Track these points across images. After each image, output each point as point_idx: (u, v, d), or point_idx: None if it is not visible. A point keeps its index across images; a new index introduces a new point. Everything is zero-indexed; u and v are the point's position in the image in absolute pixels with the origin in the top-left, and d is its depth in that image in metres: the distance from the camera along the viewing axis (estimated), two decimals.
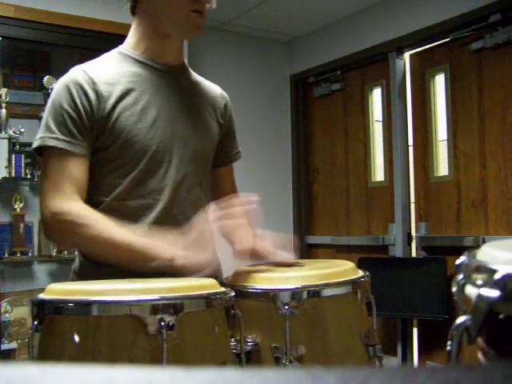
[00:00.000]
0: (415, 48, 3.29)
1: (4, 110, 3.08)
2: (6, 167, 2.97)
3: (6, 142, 3.01)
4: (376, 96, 3.57)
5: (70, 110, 1.19)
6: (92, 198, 1.24)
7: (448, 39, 3.05)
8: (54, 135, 1.18)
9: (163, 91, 1.29)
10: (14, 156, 3.02)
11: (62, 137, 1.18)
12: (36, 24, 2.80)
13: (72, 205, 1.17)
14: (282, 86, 4.05)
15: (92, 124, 1.20)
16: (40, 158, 1.24)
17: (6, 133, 3.04)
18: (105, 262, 1.16)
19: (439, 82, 3.19)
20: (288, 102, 4.07)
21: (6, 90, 3.10)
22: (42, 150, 1.21)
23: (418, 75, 3.27)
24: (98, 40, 2.96)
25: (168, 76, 1.31)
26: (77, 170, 1.19)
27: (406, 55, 3.35)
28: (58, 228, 1.18)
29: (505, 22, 2.78)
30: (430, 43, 3.19)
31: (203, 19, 1.26)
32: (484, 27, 2.86)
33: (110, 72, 1.25)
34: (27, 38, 2.86)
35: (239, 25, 3.70)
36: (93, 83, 1.21)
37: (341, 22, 3.67)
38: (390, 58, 3.35)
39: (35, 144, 1.21)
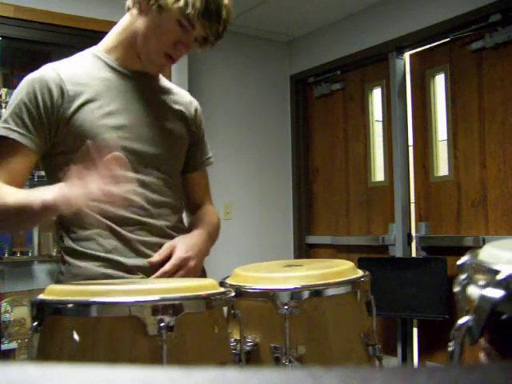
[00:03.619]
0: (415, 48, 3.29)
1: (4, 110, 3.08)
2: None
3: None
4: (376, 96, 3.57)
5: (28, 104, 1.19)
6: None
7: (448, 39, 3.05)
8: (7, 125, 1.19)
9: (132, 97, 1.29)
10: None
11: (14, 127, 1.19)
12: (36, 24, 2.80)
13: None
14: (282, 86, 4.04)
15: (50, 121, 1.20)
16: None
17: None
18: (86, 256, 1.16)
19: (439, 82, 3.19)
20: (288, 102, 4.06)
21: (6, 90, 3.10)
22: None
23: (418, 75, 3.27)
24: (97, 40, 2.96)
25: (138, 82, 1.32)
26: (19, 161, 1.19)
27: (406, 55, 3.35)
28: None
29: (505, 22, 2.78)
30: (430, 43, 3.18)
31: (171, 64, 1.29)
32: (484, 27, 2.86)
33: (80, 73, 1.26)
34: (27, 38, 2.86)
35: (239, 25, 3.70)
36: (60, 81, 1.21)
37: (341, 21, 3.67)
38: (389, 58, 3.35)
39: None
